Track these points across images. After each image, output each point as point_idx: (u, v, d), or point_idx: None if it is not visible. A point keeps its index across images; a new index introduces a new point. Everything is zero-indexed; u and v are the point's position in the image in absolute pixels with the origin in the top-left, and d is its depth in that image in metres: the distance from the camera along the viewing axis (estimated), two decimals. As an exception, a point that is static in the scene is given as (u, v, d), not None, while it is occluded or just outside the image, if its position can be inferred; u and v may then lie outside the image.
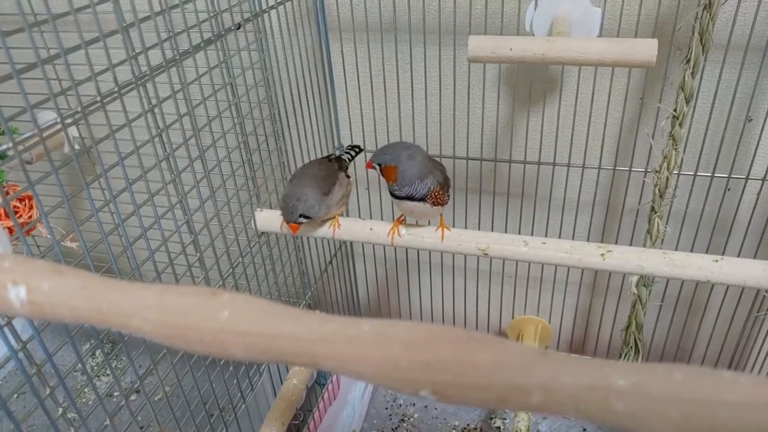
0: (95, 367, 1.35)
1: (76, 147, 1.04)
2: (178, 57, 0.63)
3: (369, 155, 1.10)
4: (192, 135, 0.71)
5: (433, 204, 0.75)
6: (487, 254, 0.76)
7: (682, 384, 0.29)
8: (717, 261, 0.68)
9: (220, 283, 0.79)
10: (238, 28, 0.74)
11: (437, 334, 0.31)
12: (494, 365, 0.30)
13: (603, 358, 0.30)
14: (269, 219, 0.84)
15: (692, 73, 0.83)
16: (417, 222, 0.80)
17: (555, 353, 0.30)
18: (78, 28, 0.50)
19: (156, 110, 0.63)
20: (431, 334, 0.31)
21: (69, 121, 0.52)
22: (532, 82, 0.96)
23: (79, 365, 0.56)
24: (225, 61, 0.75)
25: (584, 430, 1.29)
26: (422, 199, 0.75)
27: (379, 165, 0.77)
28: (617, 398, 0.29)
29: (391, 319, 0.33)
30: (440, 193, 0.75)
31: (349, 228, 0.81)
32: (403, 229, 0.79)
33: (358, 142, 1.11)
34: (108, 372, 1.38)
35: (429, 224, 0.80)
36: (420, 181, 0.74)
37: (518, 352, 0.30)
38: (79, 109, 0.51)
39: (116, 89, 0.55)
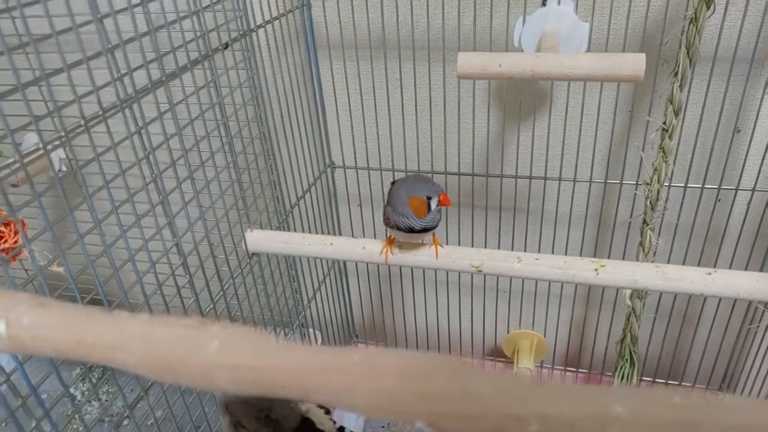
0: (85, 392, 1.33)
1: (63, 169, 1.03)
2: (164, 78, 0.62)
3: (365, 173, 1.10)
4: (180, 156, 0.70)
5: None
6: (480, 271, 0.75)
7: (680, 409, 0.28)
8: (710, 274, 0.68)
9: (211, 306, 0.78)
10: (226, 48, 0.74)
11: (431, 363, 0.30)
12: (491, 395, 0.29)
13: (600, 384, 0.30)
14: (260, 239, 0.83)
15: (680, 86, 0.84)
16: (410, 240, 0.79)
17: (551, 381, 0.29)
18: (60, 50, 0.50)
19: (144, 131, 0.62)
20: (425, 364, 0.30)
21: (56, 143, 0.51)
22: (521, 97, 0.97)
23: (68, 393, 0.55)
24: (213, 81, 0.74)
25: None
26: (436, 226, 0.75)
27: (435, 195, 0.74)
28: (615, 426, 0.28)
29: (383, 348, 0.32)
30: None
31: (341, 247, 0.81)
32: (395, 249, 0.78)
33: (348, 159, 1.10)
34: (99, 396, 1.35)
35: (422, 242, 0.79)
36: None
37: (514, 381, 0.29)
38: (62, 133, 0.51)
39: (101, 112, 0.54)
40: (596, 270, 0.71)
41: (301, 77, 1.00)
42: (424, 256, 0.77)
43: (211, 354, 0.33)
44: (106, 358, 0.35)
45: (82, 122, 0.52)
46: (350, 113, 1.04)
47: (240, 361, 0.32)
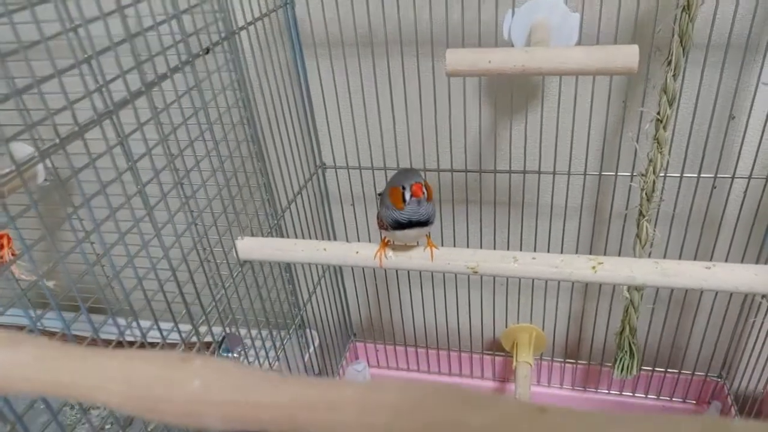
0: (78, 414, 1.31)
1: (45, 181, 1.01)
2: (143, 89, 0.60)
3: (356, 173, 1.08)
4: (165, 165, 0.68)
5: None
6: (477, 272, 0.74)
7: (690, 435, 0.27)
8: (709, 268, 0.67)
9: (203, 318, 0.76)
10: (207, 53, 0.71)
11: (427, 396, 0.29)
12: (491, 428, 0.28)
13: (608, 412, 0.28)
14: (251, 247, 0.82)
15: (674, 75, 0.82)
16: (405, 243, 0.77)
17: (554, 408, 0.28)
18: (28, 64, 0.47)
19: (125, 143, 0.60)
20: (421, 397, 0.29)
21: (35, 158, 0.49)
22: (513, 90, 0.95)
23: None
24: (196, 86, 0.72)
25: None
26: (427, 222, 0.72)
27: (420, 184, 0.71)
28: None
29: (377, 382, 0.31)
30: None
31: (334, 252, 0.79)
32: (389, 251, 0.77)
33: (339, 159, 1.08)
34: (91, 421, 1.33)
35: (417, 244, 0.77)
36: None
37: (515, 412, 0.28)
38: (36, 153, 0.49)
39: (77, 128, 0.52)
40: (593, 268, 0.70)
41: (288, 78, 0.97)
42: (419, 258, 0.76)
43: (194, 392, 0.31)
44: (88, 397, 0.34)
45: (57, 140, 0.50)
46: (339, 112, 1.02)
47: (224, 398, 0.31)
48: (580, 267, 0.70)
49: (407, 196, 0.70)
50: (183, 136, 0.70)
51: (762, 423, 0.27)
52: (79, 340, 0.62)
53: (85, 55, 0.54)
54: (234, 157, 0.83)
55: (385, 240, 0.78)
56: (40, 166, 1.01)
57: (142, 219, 0.63)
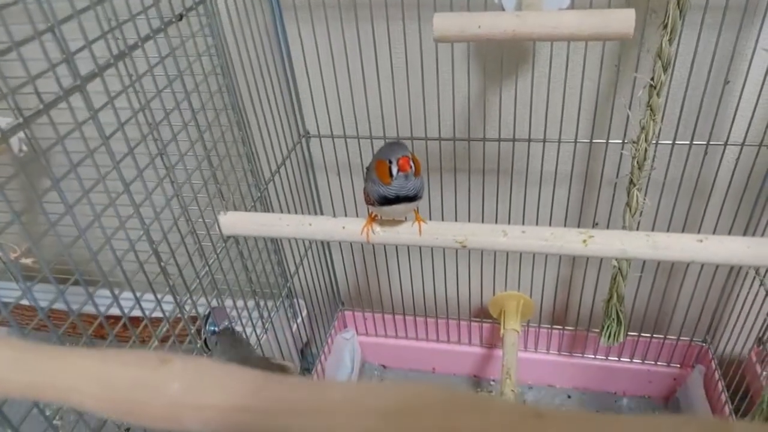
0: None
1: (24, 148, 0.97)
2: (112, 60, 0.56)
3: (341, 142, 1.05)
4: (147, 134, 0.65)
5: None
6: (465, 246, 0.72)
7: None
8: (701, 241, 0.66)
9: (187, 296, 0.75)
10: (180, 19, 0.67)
11: (416, 398, 0.27)
12: (483, 430, 0.27)
13: (606, 414, 0.27)
14: (234, 222, 0.79)
15: (669, 40, 0.79)
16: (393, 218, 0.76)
17: (551, 413, 0.27)
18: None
19: (95, 119, 0.56)
20: (409, 399, 0.27)
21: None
22: (503, 55, 0.91)
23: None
24: (170, 54, 0.68)
25: (569, 397, 1.30)
26: (415, 197, 0.70)
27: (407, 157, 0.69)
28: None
29: (364, 384, 0.29)
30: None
31: (321, 227, 0.77)
32: (377, 227, 0.75)
33: (324, 127, 1.05)
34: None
35: (405, 219, 0.76)
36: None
37: (510, 417, 0.26)
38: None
39: (41, 106, 0.49)
40: (584, 241, 0.69)
41: (268, 43, 0.93)
42: (407, 233, 0.74)
43: (173, 396, 0.29)
44: (61, 399, 0.32)
45: (19, 119, 0.47)
46: (322, 79, 0.98)
47: (205, 402, 0.29)
48: (570, 240, 0.69)
49: (394, 170, 0.68)
50: (158, 107, 0.67)
51: (762, 425, 0.26)
52: (61, 315, 0.60)
53: (48, 24, 0.50)
54: (214, 126, 0.80)
55: (372, 215, 0.76)
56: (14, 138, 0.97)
57: (119, 196, 0.61)
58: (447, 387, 0.28)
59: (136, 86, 0.63)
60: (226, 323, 0.98)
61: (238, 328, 0.95)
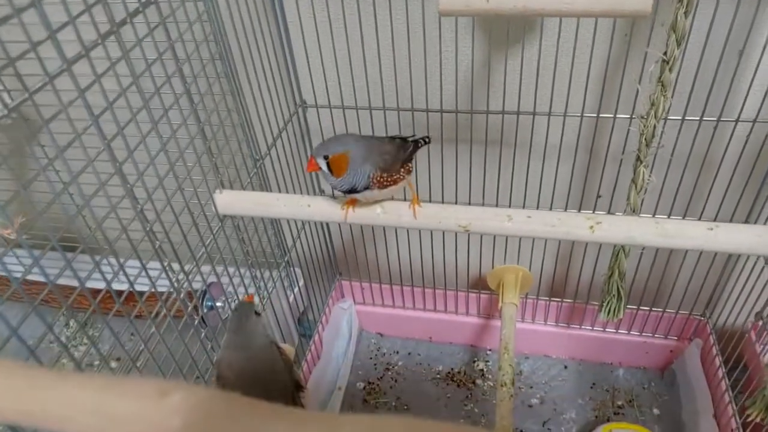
0: (69, 337, 1.30)
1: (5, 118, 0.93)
2: (99, 41, 0.53)
3: (339, 112, 1.01)
4: (129, 120, 0.62)
5: (381, 187, 0.70)
6: (468, 231, 0.70)
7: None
8: (711, 229, 0.64)
9: (183, 276, 0.73)
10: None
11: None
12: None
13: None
14: (231, 201, 0.77)
15: (686, 12, 0.75)
16: (392, 197, 0.73)
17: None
18: None
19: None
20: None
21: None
22: (509, 24, 0.87)
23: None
24: (162, 23, 0.64)
25: (565, 367, 1.32)
26: (366, 188, 0.70)
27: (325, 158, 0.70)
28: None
29: (374, 416, 0.28)
30: (383, 177, 0.69)
31: (319, 208, 0.75)
32: (378, 208, 0.73)
33: (321, 98, 1.01)
34: (84, 342, 1.33)
35: (405, 198, 0.73)
36: (359, 169, 0.69)
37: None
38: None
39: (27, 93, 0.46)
40: (591, 227, 0.67)
41: (263, 8, 0.88)
42: (406, 216, 0.72)
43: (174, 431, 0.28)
44: (57, 429, 0.31)
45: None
46: (320, 47, 0.94)
47: (206, 438, 0.28)
48: (577, 226, 0.67)
49: (323, 166, 0.70)
50: (148, 81, 0.64)
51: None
52: (67, 290, 0.59)
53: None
54: (207, 96, 0.77)
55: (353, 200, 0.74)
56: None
57: (109, 179, 0.58)
58: (457, 425, 0.27)
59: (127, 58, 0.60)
60: (223, 298, 0.97)
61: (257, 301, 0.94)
